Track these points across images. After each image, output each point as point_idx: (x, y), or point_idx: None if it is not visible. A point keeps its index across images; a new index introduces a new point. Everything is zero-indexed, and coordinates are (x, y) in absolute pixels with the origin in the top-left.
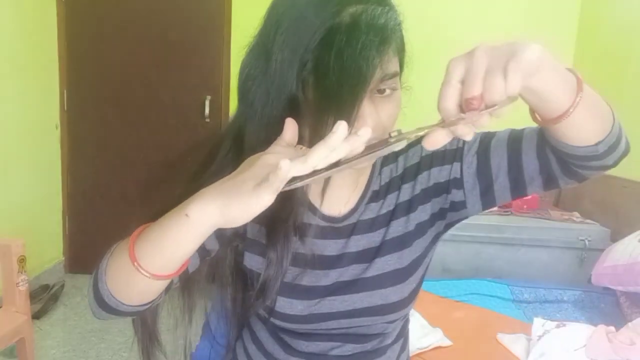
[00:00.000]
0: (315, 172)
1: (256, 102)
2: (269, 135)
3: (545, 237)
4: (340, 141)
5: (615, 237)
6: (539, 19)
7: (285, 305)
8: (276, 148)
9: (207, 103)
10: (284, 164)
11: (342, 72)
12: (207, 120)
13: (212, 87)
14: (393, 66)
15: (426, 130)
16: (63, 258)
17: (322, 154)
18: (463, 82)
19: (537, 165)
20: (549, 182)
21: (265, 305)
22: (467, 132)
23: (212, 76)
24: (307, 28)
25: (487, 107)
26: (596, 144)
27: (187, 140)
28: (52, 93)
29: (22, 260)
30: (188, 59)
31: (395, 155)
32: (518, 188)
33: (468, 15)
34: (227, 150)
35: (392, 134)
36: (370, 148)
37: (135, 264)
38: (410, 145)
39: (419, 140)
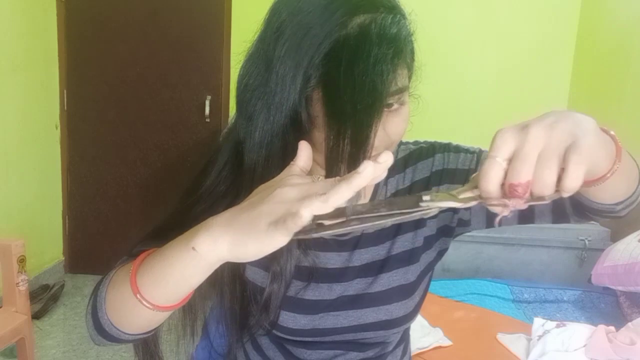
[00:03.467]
0: (338, 225)
1: (256, 117)
2: (269, 153)
3: (545, 237)
4: (366, 183)
5: (615, 237)
6: (540, 19)
7: (289, 319)
8: (293, 179)
9: (207, 103)
10: (305, 212)
11: (354, 89)
12: (207, 120)
13: (212, 87)
14: (403, 80)
15: (461, 204)
16: (63, 258)
17: (345, 195)
18: (511, 162)
19: (550, 203)
20: (558, 218)
21: (268, 319)
22: (504, 212)
23: (212, 76)
24: (311, 40)
25: (532, 197)
26: (616, 204)
27: (187, 140)
28: (52, 93)
29: (22, 260)
30: (188, 59)
31: (403, 165)
32: (526, 218)
33: (469, 16)
34: (223, 165)
35: (425, 198)
36: (397, 206)
37: (138, 295)
38: (419, 158)
39: (429, 154)
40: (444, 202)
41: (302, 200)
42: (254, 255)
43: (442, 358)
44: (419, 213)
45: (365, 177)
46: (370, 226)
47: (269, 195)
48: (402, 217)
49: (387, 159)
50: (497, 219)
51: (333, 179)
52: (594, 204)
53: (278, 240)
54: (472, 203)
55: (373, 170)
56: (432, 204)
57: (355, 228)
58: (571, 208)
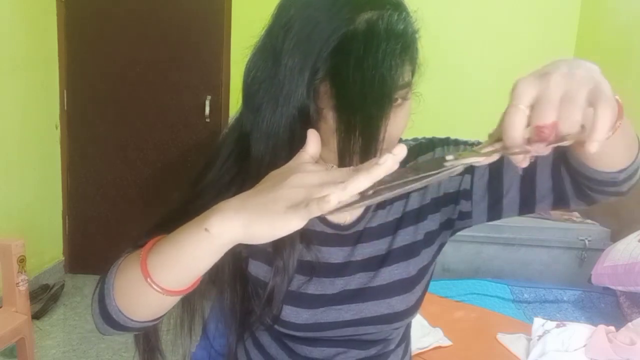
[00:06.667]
0: (357, 201)
1: (263, 108)
2: (277, 143)
3: (545, 237)
4: (385, 174)
5: (615, 237)
6: (540, 19)
7: (291, 313)
8: (307, 166)
9: (207, 103)
10: (334, 198)
11: (364, 82)
12: (207, 120)
13: (212, 87)
14: (407, 75)
15: (485, 158)
16: (63, 258)
17: (364, 184)
18: (533, 108)
19: (550, 184)
20: (559, 201)
21: (271, 314)
22: (524, 161)
23: (212, 76)
24: (319, 34)
25: (556, 139)
26: (619, 171)
27: (187, 140)
28: (52, 93)
29: (22, 260)
30: (188, 59)
31: (403, 162)
32: (527, 205)
33: (470, 16)
34: (227, 156)
35: (448, 158)
36: (423, 171)
37: (148, 279)
38: (419, 153)
39: (428, 148)
40: (468, 159)
41: (322, 186)
42: (267, 236)
43: (442, 358)
44: (446, 172)
45: (386, 169)
46: (400, 192)
47: (286, 180)
48: (430, 178)
49: (401, 152)
50: (521, 167)
51: (348, 168)
52: (595, 173)
53: (294, 223)
54: (496, 156)
55: (393, 163)
56: (456, 162)
57: (386, 196)
58: (572, 187)
